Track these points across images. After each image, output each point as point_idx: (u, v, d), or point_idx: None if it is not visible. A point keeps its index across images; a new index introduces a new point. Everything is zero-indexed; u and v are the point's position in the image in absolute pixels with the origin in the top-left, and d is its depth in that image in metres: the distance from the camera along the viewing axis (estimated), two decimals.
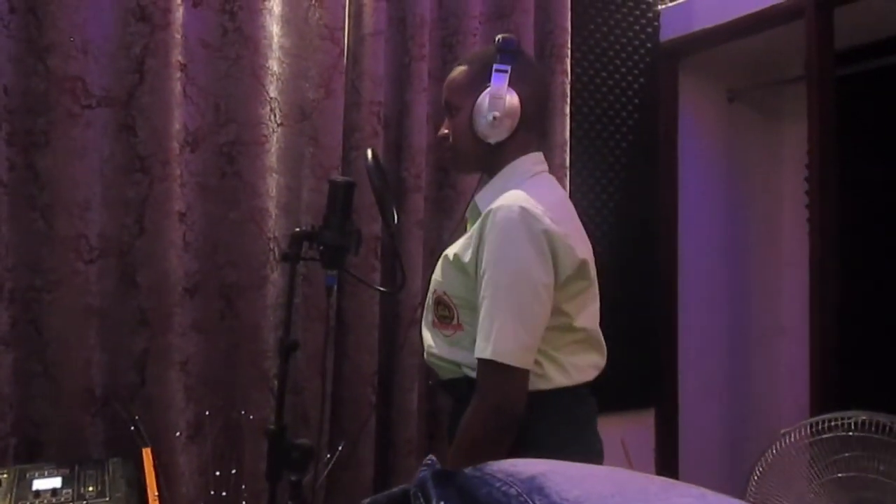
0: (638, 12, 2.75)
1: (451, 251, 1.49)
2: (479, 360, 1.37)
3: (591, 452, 1.50)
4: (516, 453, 1.32)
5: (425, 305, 1.58)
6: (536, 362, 1.40)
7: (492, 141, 1.46)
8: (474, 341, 1.40)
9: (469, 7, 2.28)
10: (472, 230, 1.44)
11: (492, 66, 1.45)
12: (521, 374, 1.36)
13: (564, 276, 1.40)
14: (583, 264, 1.43)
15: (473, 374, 1.42)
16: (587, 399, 1.53)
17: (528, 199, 1.38)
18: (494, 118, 1.43)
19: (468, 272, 1.42)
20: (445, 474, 0.50)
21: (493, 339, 1.34)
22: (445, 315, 1.48)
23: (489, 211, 1.38)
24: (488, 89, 1.44)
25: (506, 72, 1.44)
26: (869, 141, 2.76)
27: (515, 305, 1.36)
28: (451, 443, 1.60)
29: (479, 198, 1.51)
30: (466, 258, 1.41)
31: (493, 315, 1.35)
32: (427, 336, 1.55)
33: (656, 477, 0.48)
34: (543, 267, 1.36)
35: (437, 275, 1.52)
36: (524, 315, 1.36)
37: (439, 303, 1.49)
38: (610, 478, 0.47)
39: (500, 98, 1.43)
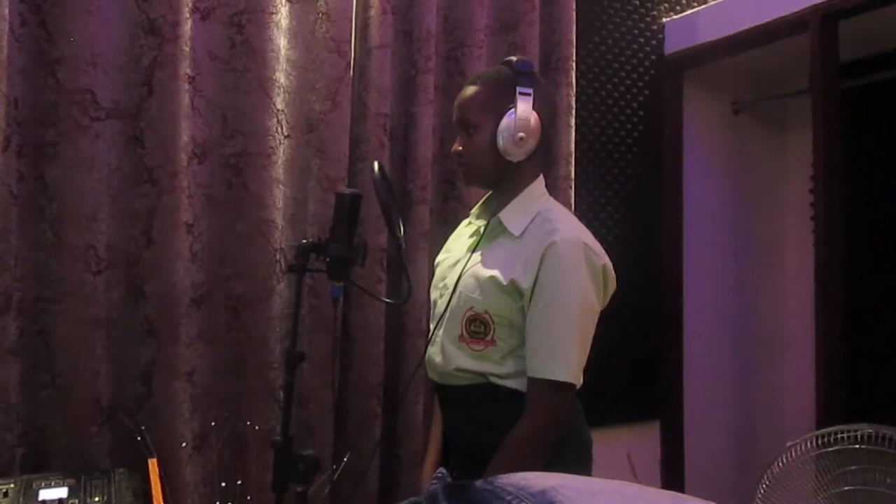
0: (643, 25, 2.76)
1: (496, 274, 1.52)
2: (545, 379, 1.47)
3: (590, 444, 1.64)
4: (556, 452, 1.48)
5: (443, 318, 1.60)
6: None
7: (514, 160, 1.54)
8: (504, 355, 1.52)
9: (475, 20, 2.30)
10: (532, 258, 1.49)
11: (513, 88, 1.51)
12: (574, 391, 1.51)
13: (606, 302, 1.57)
14: (613, 292, 1.58)
15: (499, 382, 1.52)
16: None
17: (584, 234, 1.53)
18: (521, 139, 1.51)
19: (523, 295, 1.49)
20: (456, 487, 0.50)
21: (566, 361, 1.47)
22: (479, 331, 1.54)
23: (553, 243, 1.47)
24: (513, 110, 1.51)
25: (530, 95, 1.52)
26: (874, 153, 2.76)
27: (581, 331, 1.50)
28: (459, 448, 1.62)
29: (506, 217, 1.57)
30: (525, 283, 1.48)
31: (562, 339, 1.48)
32: (448, 349, 1.58)
33: (666, 491, 0.49)
34: (598, 296, 1.52)
35: (472, 293, 1.55)
36: (585, 340, 1.51)
37: (475, 320, 1.54)
38: (620, 492, 0.48)
39: (527, 119, 1.51)
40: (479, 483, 0.50)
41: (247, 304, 1.99)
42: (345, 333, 2.12)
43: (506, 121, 1.51)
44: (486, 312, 1.52)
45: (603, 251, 1.55)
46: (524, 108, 1.50)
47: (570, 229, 1.52)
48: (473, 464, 1.48)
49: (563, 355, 1.47)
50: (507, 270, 1.51)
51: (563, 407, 1.49)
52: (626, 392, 2.64)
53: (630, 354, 2.67)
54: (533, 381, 1.48)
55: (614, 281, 1.56)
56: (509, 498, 0.48)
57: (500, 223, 1.57)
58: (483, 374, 1.53)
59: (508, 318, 1.50)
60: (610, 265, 1.54)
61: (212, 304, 1.98)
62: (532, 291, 1.48)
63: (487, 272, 1.53)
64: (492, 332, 1.52)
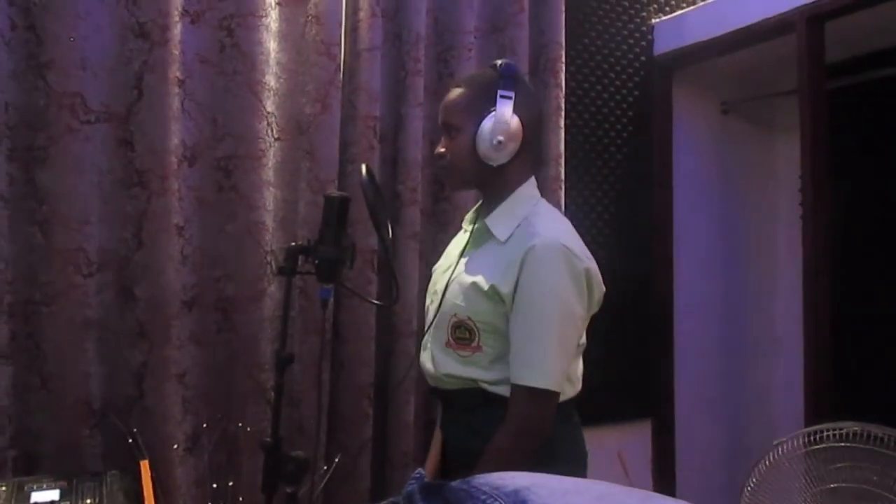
0: (632, 26, 2.77)
1: (478, 279, 1.51)
2: (523, 385, 1.45)
3: (584, 456, 1.61)
4: (540, 464, 1.41)
5: (432, 324, 1.61)
6: None
7: (494, 164, 1.53)
8: (492, 361, 1.51)
9: (464, 22, 2.31)
10: (513, 262, 1.47)
11: (495, 91, 1.50)
12: (556, 398, 1.48)
13: (592, 307, 1.54)
14: (602, 295, 1.56)
15: (490, 388, 1.51)
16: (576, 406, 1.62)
17: (565, 237, 1.50)
18: (499, 142, 1.49)
19: (504, 301, 1.48)
20: (432, 487, 0.51)
21: (544, 367, 1.45)
22: (465, 337, 1.53)
23: (532, 247, 1.46)
24: (493, 114, 1.49)
25: (511, 98, 1.50)
26: (861, 153, 2.79)
27: (560, 336, 1.47)
28: (452, 451, 1.63)
29: (492, 222, 1.56)
30: (505, 289, 1.47)
31: (540, 344, 1.46)
32: (437, 355, 1.59)
33: (635, 489, 0.50)
34: (580, 301, 1.49)
35: (455, 299, 1.55)
36: (566, 345, 1.49)
37: (459, 326, 1.54)
38: (590, 490, 0.49)
39: (506, 123, 1.49)
40: (455, 483, 0.52)
41: (237, 305, 2.00)
42: (335, 335, 2.13)
43: (485, 124, 1.50)
44: (470, 319, 1.52)
45: (588, 255, 1.53)
46: (503, 111, 1.49)
47: (551, 233, 1.49)
48: (462, 467, 1.48)
49: (542, 362, 1.45)
50: (489, 276, 1.50)
51: (542, 415, 1.46)
52: (617, 392, 2.65)
53: (621, 354, 2.69)
54: (513, 388, 1.47)
55: (601, 285, 1.54)
56: (484, 497, 0.49)
57: (487, 228, 1.56)
58: (473, 380, 1.52)
59: (493, 324, 1.50)
60: (594, 268, 1.52)
61: (203, 306, 1.98)
62: (513, 297, 1.46)
63: (470, 278, 1.53)
64: (477, 338, 1.51)
